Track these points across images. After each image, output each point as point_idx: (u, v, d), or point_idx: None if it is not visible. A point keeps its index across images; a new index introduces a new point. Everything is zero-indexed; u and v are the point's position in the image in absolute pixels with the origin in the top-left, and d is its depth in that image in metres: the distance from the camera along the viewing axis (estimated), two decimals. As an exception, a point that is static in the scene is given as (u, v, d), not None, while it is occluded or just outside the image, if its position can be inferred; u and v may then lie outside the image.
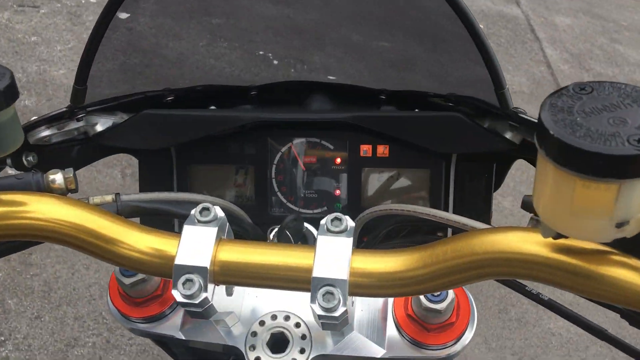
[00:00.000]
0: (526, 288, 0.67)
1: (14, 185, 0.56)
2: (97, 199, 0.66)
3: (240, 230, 0.75)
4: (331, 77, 1.17)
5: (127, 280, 0.66)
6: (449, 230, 0.90)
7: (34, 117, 0.78)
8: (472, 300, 0.66)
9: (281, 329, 0.66)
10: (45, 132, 0.80)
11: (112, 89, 0.92)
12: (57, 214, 0.53)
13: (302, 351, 0.64)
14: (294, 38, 1.21)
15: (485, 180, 0.89)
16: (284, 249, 0.52)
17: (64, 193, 0.58)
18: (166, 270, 0.52)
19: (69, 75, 2.85)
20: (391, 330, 0.66)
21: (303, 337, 0.65)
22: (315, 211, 0.92)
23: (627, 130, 0.36)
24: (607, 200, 0.37)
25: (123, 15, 0.90)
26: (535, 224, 0.54)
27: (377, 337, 0.66)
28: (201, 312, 0.52)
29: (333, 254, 0.50)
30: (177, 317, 0.69)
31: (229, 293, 0.63)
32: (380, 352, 0.65)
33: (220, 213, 0.54)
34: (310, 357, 0.64)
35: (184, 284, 0.50)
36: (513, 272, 0.46)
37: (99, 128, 0.85)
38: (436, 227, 0.90)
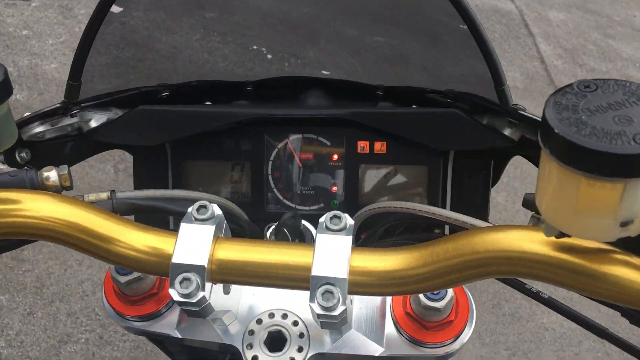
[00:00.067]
0: (525, 286, 0.67)
1: (7, 182, 0.55)
2: (92, 197, 0.65)
3: (236, 227, 0.74)
4: (325, 72, 1.17)
5: (123, 279, 0.65)
6: (447, 228, 0.90)
7: (27, 113, 0.77)
8: (471, 298, 0.66)
9: (279, 328, 0.65)
10: (38, 128, 0.78)
11: (105, 84, 0.91)
12: (52, 212, 0.52)
13: (300, 349, 0.64)
14: (288, 32, 1.20)
15: (483, 176, 0.89)
16: (283, 247, 0.52)
17: (58, 190, 0.57)
18: (163, 268, 0.51)
19: (60, 70, 2.83)
20: (389, 329, 0.66)
21: (301, 335, 0.65)
22: (312, 208, 0.91)
23: (633, 129, 0.36)
24: (612, 199, 0.37)
25: (116, 9, 0.89)
26: (537, 222, 0.54)
27: (375, 335, 0.66)
28: (198, 311, 0.52)
29: (332, 252, 0.50)
30: (173, 316, 0.69)
31: (226, 291, 0.62)
32: (378, 350, 0.65)
33: (218, 211, 0.53)
34: (308, 355, 0.63)
35: (181, 282, 0.50)
36: (515, 271, 0.46)
37: (93, 124, 0.84)
38: (434, 224, 0.90)
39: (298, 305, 0.66)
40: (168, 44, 1.21)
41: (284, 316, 0.66)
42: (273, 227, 0.73)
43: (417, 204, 0.71)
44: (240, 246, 0.52)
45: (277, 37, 1.19)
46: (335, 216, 0.52)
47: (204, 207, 0.53)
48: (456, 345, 0.65)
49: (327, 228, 0.51)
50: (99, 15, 0.75)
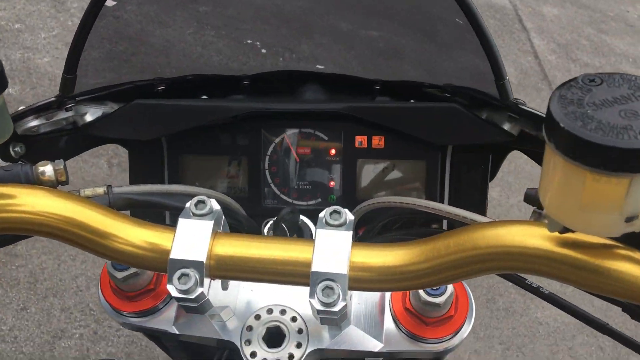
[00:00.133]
0: (526, 281, 0.67)
1: (1, 177, 0.54)
2: (88, 191, 0.64)
3: (234, 222, 0.74)
4: (319, 67, 1.16)
5: (120, 274, 0.64)
6: (445, 223, 0.90)
7: (22, 107, 0.76)
8: (471, 293, 0.65)
9: (277, 323, 0.65)
10: (33, 122, 0.77)
11: (99, 78, 0.90)
12: (48, 207, 0.51)
13: (298, 345, 0.63)
14: (282, 26, 1.19)
15: (481, 171, 0.88)
16: (282, 243, 0.51)
17: (54, 185, 0.56)
18: (161, 264, 0.51)
19: (53, 63, 2.80)
20: (389, 324, 0.66)
21: (299, 331, 0.64)
22: (310, 203, 0.91)
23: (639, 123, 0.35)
24: (617, 194, 0.36)
25: (110, 3, 0.88)
26: (538, 217, 0.53)
27: (374, 331, 0.65)
28: (197, 307, 0.51)
29: (332, 248, 0.49)
30: (171, 311, 0.68)
31: (225, 287, 0.62)
32: (377, 346, 0.65)
33: (216, 206, 0.53)
34: (307, 351, 0.63)
35: (179, 278, 0.49)
36: (517, 267, 0.45)
37: (89, 118, 0.83)
38: (431, 219, 0.90)
39: (297, 300, 0.66)
40: (162, 37, 1.20)
41: (283, 312, 0.65)
42: (271, 222, 0.72)
43: (417, 199, 0.70)
44: (239, 242, 0.52)
45: (271, 31, 1.18)
46: (335, 211, 0.51)
47: (202, 202, 0.52)
48: (455, 340, 0.65)
49: (327, 223, 0.51)
50: (94, 9, 0.74)
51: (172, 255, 0.49)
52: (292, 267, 0.50)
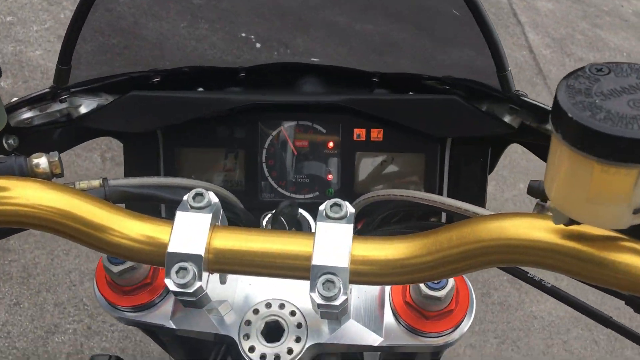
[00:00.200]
0: (528, 275, 0.66)
1: (-5, 169, 0.53)
2: (83, 184, 0.63)
3: (232, 216, 0.73)
4: (314, 59, 1.15)
5: (116, 268, 0.63)
6: (443, 215, 0.89)
7: (15, 99, 0.74)
8: (471, 287, 0.65)
9: (276, 318, 0.64)
10: (27, 114, 0.76)
11: (91, 71, 0.89)
12: (43, 199, 0.50)
13: (297, 340, 0.63)
14: (277, 20, 1.18)
15: (480, 164, 0.88)
16: (282, 236, 0.51)
17: (48, 178, 0.55)
18: (158, 258, 0.50)
19: (45, 57, 2.78)
20: (388, 318, 0.65)
21: (299, 325, 0.63)
22: (307, 196, 0.90)
23: (649, 113, 0.35)
24: (626, 185, 0.36)
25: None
26: (541, 210, 0.53)
27: (374, 325, 0.65)
28: (195, 301, 0.50)
29: (333, 241, 0.49)
30: (167, 306, 0.67)
31: (223, 281, 0.61)
32: (377, 340, 0.64)
33: (214, 199, 0.52)
34: (306, 346, 0.62)
35: (177, 272, 0.48)
36: (521, 260, 0.45)
37: (83, 110, 0.82)
38: (430, 212, 0.89)
39: (296, 294, 0.65)
40: (155, 30, 1.19)
41: (281, 306, 0.65)
42: (269, 215, 0.72)
43: (418, 192, 0.70)
44: (238, 235, 0.51)
45: (266, 25, 1.17)
46: (335, 204, 0.51)
47: (200, 194, 0.51)
48: (455, 335, 0.65)
49: (327, 216, 0.50)
50: None
51: (170, 249, 0.48)
52: (292, 261, 0.49)
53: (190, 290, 0.48)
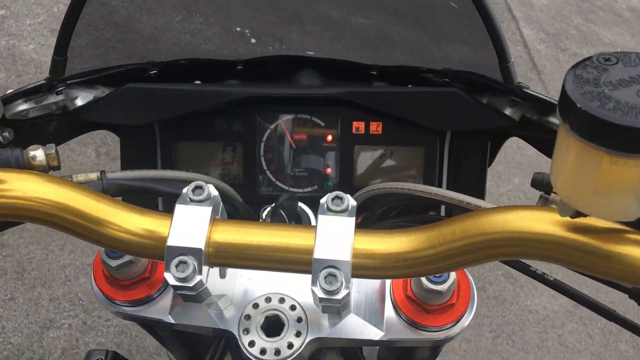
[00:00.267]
0: (530, 268, 0.66)
1: (-10, 162, 0.52)
2: (81, 177, 0.62)
3: (230, 209, 0.72)
4: (310, 53, 1.14)
5: (114, 262, 0.62)
6: (442, 209, 0.89)
7: (10, 90, 0.73)
8: (472, 281, 0.64)
9: (276, 312, 0.63)
10: (22, 106, 0.75)
11: (85, 64, 0.88)
12: (40, 192, 0.49)
13: (298, 334, 0.62)
14: (272, 14, 1.17)
15: (479, 157, 0.87)
16: (283, 230, 0.50)
17: (45, 170, 0.54)
18: (157, 252, 0.49)
19: (39, 50, 2.76)
20: (389, 312, 0.64)
21: (299, 320, 0.63)
22: (306, 190, 0.89)
23: (659, 103, 0.34)
24: (635, 176, 0.35)
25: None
26: (545, 202, 0.53)
27: (374, 319, 0.64)
28: (195, 296, 0.50)
29: (335, 234, 0.48)
30: (166, 300, 0.67)
31: (223, 275, 0.60)
32: (378, 334, 0.63)
33: (214, 192, 0.51)
34: (307, 340, 0.62)
35: (177, 266, 0.48)
36: (526, 253, 0.44)
37: (79, 102, 0.81)
38: (428, 206, 0.89)
39: (296, 288, 0.64)
40: (149, 25, 1.17)
41: (281, 300, 0.64)
42: (269, 209, 0.71)
43: (420, 185, 0.69)
44: (239, 228, 0.50)
45: (261, 19, 1.16)
46: (337, 197, 0.50)
47: (200, 187, 0.51)
48: (456, 329, 0.64)
49: (329, 209, 0.50)
50: None
51: (170, 242, 0.48)
52: (293, 254, 0.49)
53: (190, 285, 0.48)
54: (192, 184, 0.51)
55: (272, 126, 0.88)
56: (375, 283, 0.66)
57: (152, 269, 0.66)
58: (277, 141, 0.88)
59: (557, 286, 0.65)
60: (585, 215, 0.41)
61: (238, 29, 1.16)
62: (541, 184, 0.55)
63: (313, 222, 0.72)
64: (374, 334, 0.63)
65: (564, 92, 0.36)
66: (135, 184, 0.67)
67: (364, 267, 0.48)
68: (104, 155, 2.40)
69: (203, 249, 0.48)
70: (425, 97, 0.81)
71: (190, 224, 0.49)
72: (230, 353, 0.67)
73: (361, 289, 0.66)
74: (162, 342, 0.81)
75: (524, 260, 0.66)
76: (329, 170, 0.89)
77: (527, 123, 0.76)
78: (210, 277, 0.51)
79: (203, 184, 0.51)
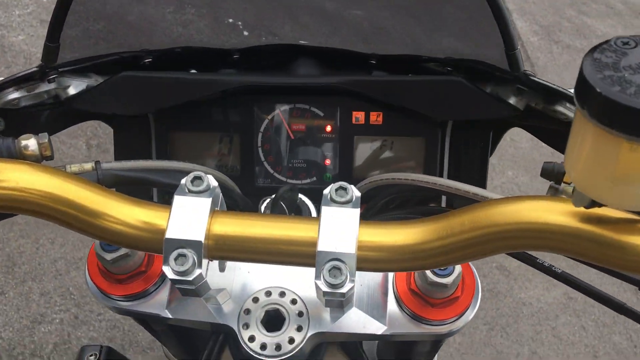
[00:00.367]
0: (537, 260, 0.65)
1: (-19, 152, 0.50)
2: (75, 167, 0.61)
3: (229, 202, 0.70)
4: (302, 42, 1.13)
5: (109, 256, 0.60)
6: (443, 200, 0.87)
7: (0, 78, 0.71)
8: (477, 274, 0.63)
9: (276, 306, 0.62)
10: (13, 95, 0.72)
11: (75, 54, 0.85)
12: (33, 183, 0.47)
13: (299, 329, 0.61)
14: (264, 5, 1.16)
15: (481, 148, 0.86)
16: (286, 221, 0.49)
17: (38, 160, 0.52)
18: (155, 244, 0.48)
19: (28, 41, 2.72)
20: (392, 306, 0.63)
21: (300, 314, 0.61)
22: (304, 182, 0.88)
23: (682, 88, 0.33)
24: (655, 165, 0.34)
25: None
26: (555, 193, 0.51)
27: (377, 313, 0.63)
28: (194, 290, 0.48)
29: (339, 226, 0.47)
30: (163, 295, 0.65)
31: (222, 268, 0.59)
32: (381, 328, 0.62)
33: (214, 182, 0.50)
34: (308, 335, 0.60)
35: (175, 259, 0.46)
36: (538, 244, 0.43)
37: (72, 91, 0.79)
38: (429, 197, 0.87)
39: (296, 282, 0.63)
40: (140, 16, 1.15)
41: (282, 294, 0.62)
42: (268, 200, 0.69)
43: (425, 176, 0.67)
44: (240, 220, 0.49)
45: (254, 11, 1.15)
46: (340, 187, 0.49)
47: (199, 178, 0.49)
48: (460, 323, 0.63)
49: (332, 200, 0.48)
50: None
51: (168, 235, 0.46)
52: (296, 247, 0.47)
53: (190, 278, 0.46)
54: (191, 175, 0.49)
55: (270, 116, 0.86)
56: (377, 276, 0.65)
57: (148, 262, 0.64)
58: (275, 132, 0.86)
59: (565, 279, 0.63)
60: (600, 206, 0.39)
61: (230, 20, 1.14)
62: (551, 173, 0.54)
63: (313, 214, 0.71)
64: (377, 328, 0.62)
65: (582, 77, 0.34)
66: (131, 174, 0.65)
67: (369, 260, 0.47)
68: (95, 148, 2.37)
69: (203, 242, 0.46)
70: (427, 86, 0.79)
71: (189, 216, 0.47)
72: (229, 348, 0.66)
73: (363, 282, 0.64)
74: (157, 337, 0.80)
75: (530, 252, 0.65)
76: (327, 161, 0.87)
77: (531, 113, 0.75)
78: (209, 271, 0.49)
79: (202, 174, 0.49)
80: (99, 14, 0.99)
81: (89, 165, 0.61)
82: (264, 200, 0.71)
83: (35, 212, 0.48)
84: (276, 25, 1.13)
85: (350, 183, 0.76)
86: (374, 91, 0.81)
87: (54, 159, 0.54)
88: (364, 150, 0.87)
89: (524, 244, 0.44)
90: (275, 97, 0.86)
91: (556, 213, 0.42)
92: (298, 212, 0.70)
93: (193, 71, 0.86)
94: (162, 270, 0.61)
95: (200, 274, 0.46)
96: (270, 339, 0.60)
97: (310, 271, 0.46)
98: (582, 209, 0.41)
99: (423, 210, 0.74)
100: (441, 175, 0.87)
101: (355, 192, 0.49)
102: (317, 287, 0.46)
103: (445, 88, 0.79)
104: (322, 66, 0.87)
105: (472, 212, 0.46)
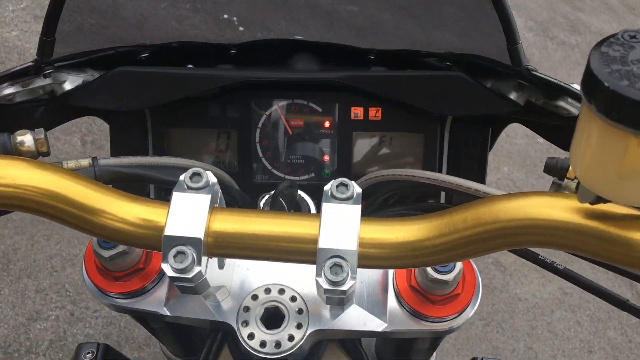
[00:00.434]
0: (539, 257, 0.64)
1: (-24, 147, 0.49)
2: (71, 163, 0.60)
3: (227, 198, 0.70)
4: (297, 37, 1.12)
5: (106, 253, 0.60)
6: (442, 196, 0.87)
7: None
8: (477, 271, 0.62)
9: (276, 303, 0.61)
10: (8, 90, 0.71)
11: (68, 49, 0.84)
12: (29, 179, 0.47)
13: (299, 326, 0.60)
14: (260, 1, 1.15)
15: (480, 143, 0.85)
16: (286, 218, 0.48)
17: (34, 156, 0.52)
18: (154, 242, 0.47)
19: (22, 37, 2.70)
20: (392, 303, 0.63)
21: (299, 311, 0.61)
22: (302, 178, 0.87)
23: (691, 82, 0.32)
24: (664, 161, 0.34)
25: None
26: (558, 188, 0.51)
27: (377, 310, 0.62)
28: (193, 287, 0.48)
29: (340, 222, 0.46)
30: (161, 292, 0.64)
31: (221, 265, 0.58)
32: (381, 325, 0.62)
33: (213, 179, 0.49)
34: (308, 332, 0.60)
35: (175, 256, 0.46)
36: (542, 241, 0.43)
37: (68, 86, 0.78)
38: (427, 193, 0.87)
39: (296, 279, 0.62)
40: (134, 11, 1.14)
41: (281, 291, 0.62)
42: (267, 197, 0.69)
43: (426, 172, 0.67)
44: (239, 217, 0.48)
45: (248, 6, 1.14)
46: (341, 184, 0.48)
47: (198, 174, 0.49)
48: (460, 320, 0.62)
49: (333, 196, 0.48)
50: None
51: (167, 232, 0.46)
52: (297, 244, 0.47)
53: (189, 276, 0.46)
54: (190, 171, 0.49)
55: (268, 112, 0.85)
56: (377, 273, 0.64)
57: (146, 259, 0.64)
58: (273, 128, 0.86)
59: (567, 275, 0.63)
60: (605, 202, 0.39)
61: (225, 16, 1.14)
62: (555, 169, 0.53)
63: (312, 211, 0.70)
64: (377, 325, 0.62)
65: (589, 71, 0.34)
66: (129, 171, 0.64)
67: (370, 257, 0.47)
68: (90, 144, 2.36)
69: (202, 239, 0.46)
70: (427, 81, 0.79)
71: (188, 213, 0.47)
72: (228, 346, 0.65)
73: (363, 279, 0.64)
74: (155, 334, 0.79)
75: (532, 249, 0.65)
76: (326, 157, 0.86)
77: (532, 108, 0.74)
78: (208, 268, 0.48)
79: (201, 170, 0.49)
80: (92, 9, 0.98)
81: (86, 162, 0.61)
82: (263, 197, 0.70)
83: (32, 209, 0.47)
84: (271, 21, 1.12)
85: (349, 179, 0.76)
86: (373, 86, 0.80)
87: (50, 155, 0.53)
88: (362, 146, 0.86)
89: (528, 241, 0.43)
90: (273, 92, 0.85)
91: (561, 209, 0.42)
92: (297, 208, 0.69)
93: (190, 66, 0.85)
94: (160, 267, 0.61)
95: (200, 272, 0.46)
96: (269, 336, 0.60)
97: (310, 268, 0.46)
98: (587, 205, 0.40)
99: (422, 207, 0.74)
100: (440, 171, 0.86)
101: (356, 188, 0.48)
102: (317, 284, 0.45)
103: (445, 83, 0.78)
104: (320, 61, 0.86)
105: (475, 208, 0.45)
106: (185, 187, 0.48)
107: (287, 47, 0.87)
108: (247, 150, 0.86)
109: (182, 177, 0.48)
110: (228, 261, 0.62)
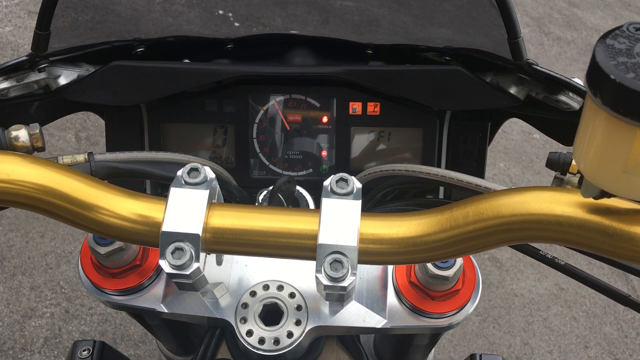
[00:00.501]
0: (540, 252, 0.64)
1: (-30, 143, 0.49)
2: (67, 159, 0.59)
3: (225, 194, 0.69)
4: (293, 32, 1.12)
5: (103, 250, 0.59)
6: (441, 191, 0.86)
7: None
8: (477, 266, 0.62)
9: (274, 300, 0.61)
10: (2, 85, 0.70)
11: (61, 42, 0.83)
12: (24, 174, 0.46)
13: (297, 323, 0.59)
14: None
15: (479, 138, 0.85)
16: (285, 214, 0.47)
17: (29, 152, 0.51)
18: (151, 238, 0.46)
19: (15, 33, 2.68)
20: (392, 299, 0.62)
21: (298, 308, 0.60)
22: (300, 174, 0.86)
23: (699, 75, 0.32)
24: (670, 154, 0.33)
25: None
26: (560, 183, 0.50)
27: (377, 306, 0.62)
28: (191, 284, 0.47)
29: (340, 218, 0.46)
30: (158, 289, 0.63)
31: (219, 262, 0.57)
32: (381, 321, 0.61)
33: (211, 174, 0.48)
34: (307, 329, 0.59)
35: (172, 253, 0.45)
36: (545, 236, 0.42)
37: (62, 81, 0.77)
38: (426, 188, 0.86)
39: (295, 275, 0.62)
40: (128, 6, 1.13)
41: (280, 288, 0.61)
42: (265, 192, 0.68)
43: (425, 167, 0.66)
44: (238, 212, 0.47)
45: (244, 1, 1.13)
46: (341, 179, 0.48)
47: (196, 170, 0.48)
48: (460, 316, 0.62)
49: (333, 192, 0.47)
50: None
51: (165, 228, 0.45)
52: (296, 240, 0.46)
53: (187, 272, 0.45)
54: (188, 166, 0.48)
55: (265, 107, 0.84)
56: (376, 269, 0.64)
57: (143, 255, 0.63)
58: (270, 123, 0.85)
59: (567, 271, 0.63)
60: (609, 196, 0.38)
61: (220, 11, 1.13)
62: (557, 163, 0.53)
63: (311, 206, 0.69)
64: (377, 321, 0.61)
65: (594, 64, 0.33)
66: (125, 166, 0.63)
67: (371, 253, 0.46)
68: (84, 140, 2.34)
69: (200, 235, 0.45)
70: (426, 76, 0.78)
71: (186, 209, 0.46)
72: (226, 343, 0.65)
73: (362, 275, 0.63)
74: (152, 331, 0.78)
75: (533, 244, 0.64)
76: (324, 153, 0.86)
77: (532, 103, 0.74)
78: (206, 264, 0.48)
79: (199, 165, 0.48)
80: (86, 4, 0.97)
81: (81, 157, 0.60)
82: (261, 192, 0.69)
83: (27, 204, 0.47)
84: (267, 18, 1.11)
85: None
86: (372, 81, 0.79)
87: (45, 151, 0.53)
88: (360, 141, 0.86)
89: (531, 236, 0.43)
90: (270, 87, 0.84)
91: (564, 204, 0.41)
92: (295, 204, 0.69)
93: (186, 61, 0.84)
94: (157, 264, 0.60)
95: (198, 268, 0.45)
96: (268, 333, 0.59)
97: (309, 264, 0.45)
98: (590, 199, 0.40)
99: (422, 202, 0.73)
100: (439, 166, 0.86)
101: (356, 183, 0.48)
102: (317, 280, 0.45)
103: (443, 77, 0.77)
104: (318, 56, 0.85)
105: (476, 203, 0.45)
106: (183, 183, 0.47)
107: (284, 42, 0.86)
108: (244, 146, 0.85)
109: (179, 173, 0.48)
110: (226, 257, 0.62)
